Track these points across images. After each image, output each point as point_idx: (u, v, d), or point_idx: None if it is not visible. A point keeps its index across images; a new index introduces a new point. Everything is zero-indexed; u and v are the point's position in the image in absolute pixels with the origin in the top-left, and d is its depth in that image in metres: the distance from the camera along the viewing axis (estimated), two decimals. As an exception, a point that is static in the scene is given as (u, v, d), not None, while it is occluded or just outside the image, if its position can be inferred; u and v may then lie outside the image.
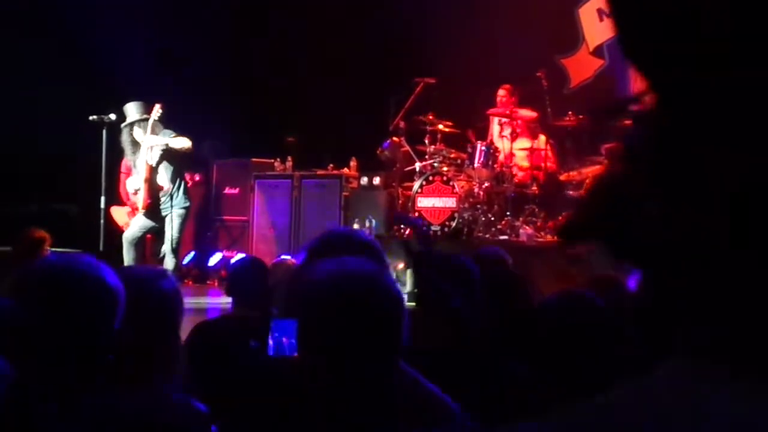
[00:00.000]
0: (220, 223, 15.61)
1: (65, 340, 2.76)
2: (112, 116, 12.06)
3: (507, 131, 13.30)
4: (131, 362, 3.12)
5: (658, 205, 0.76)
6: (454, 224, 12.79)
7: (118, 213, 12.54)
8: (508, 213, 12.74)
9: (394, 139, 14.21)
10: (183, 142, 12.01)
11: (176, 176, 12.22)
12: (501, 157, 13.11)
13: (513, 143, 13.23)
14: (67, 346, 2.77)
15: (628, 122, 13.10)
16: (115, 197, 12.65)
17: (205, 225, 15.60)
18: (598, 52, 15.50)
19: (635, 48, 0.79)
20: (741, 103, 0.70)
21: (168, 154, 12.03)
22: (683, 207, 0.74)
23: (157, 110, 12.04)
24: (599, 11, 15.34)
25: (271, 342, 3.12)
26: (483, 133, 14.01)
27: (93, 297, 2.80)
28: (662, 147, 0.76)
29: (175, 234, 12.07)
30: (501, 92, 13.79)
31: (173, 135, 12.03)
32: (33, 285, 2.86)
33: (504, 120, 13.51)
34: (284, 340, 2.96)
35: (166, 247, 12.04)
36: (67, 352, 2.77)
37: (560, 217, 12.66)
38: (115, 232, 12.26)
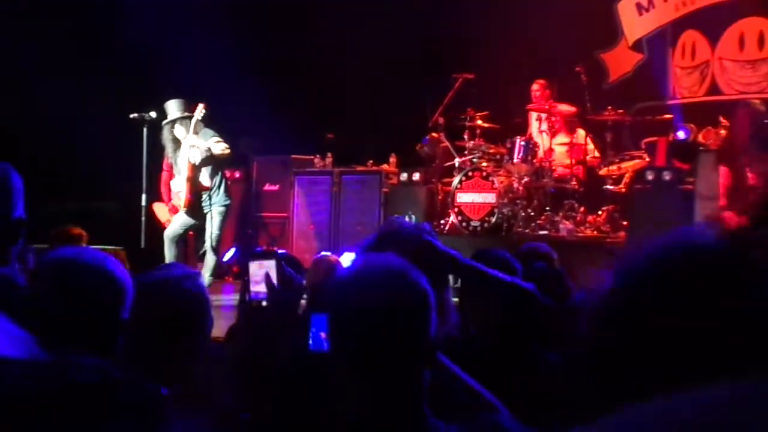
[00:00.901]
0: (260, 220, 15.63)
1: (70, 326, 2.81)
2: (153, 114, 12.11)
3: (546, 126, 13.28)
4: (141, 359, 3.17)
5: None
6: (493, 219, 12.78)
7: (160, 210, 12.59)
8: (547, 208, 12.71)
9: (434, 134, 14.21)
10: (222, 148, 12.05)
11: (216, 174, 12.26)
12: (540, 152, 13.08)
13: (552, 138, 13.20)
14: (72, 332, 2.82)
15: (667, 117, 13.12)
16: (157, 194, 12.70)
17: (245, 222, 15.63)
18: (637, 46, 15.46)
19: None
20: None
21: (209, 155, 12.07)
22: None
23: (200, 110, 12.09)
24: (638, 5, 15.30)
25: (310, 336, 3.15)
26: (522, 129, 13.99)
27: (97, 285, 2.87)
28: None
29: (215, 231, 12.12)
30: (535, 87, 13.77)
31: (214, 136, 12.08)
32: (43, 273, 2.92)
33: (543, 115, 13.49)
34: (322, 334, 2.98)
35: (207, 245, 12.09)
36: (71, 337, 2.81)
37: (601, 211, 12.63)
38: (156, 229, 12.32)
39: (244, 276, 3.61)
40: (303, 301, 6.18)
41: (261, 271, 3.53)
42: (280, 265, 3.54)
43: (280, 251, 4.15)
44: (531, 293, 3.61)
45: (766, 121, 10.75)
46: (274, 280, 3.50)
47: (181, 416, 2.94)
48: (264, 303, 3.51)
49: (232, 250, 13.91)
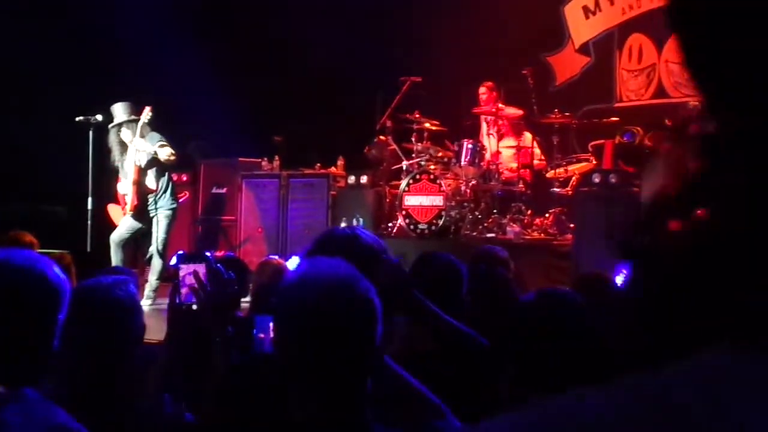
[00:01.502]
0: (207, 223, 15.57)
1: (4, 332, 2.79)
2: (99, 117, 12.04)
3: (493, 129, 13.33)
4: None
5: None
6: (441, 222, 12.80)
7: (115, 211, 12.52)
8: (495, 211, 12.75)
9: (381, 137, 14.22)
10: (167, 154, 11.98)
11: (163, 177, 12.21)
12: (487, 155, 13.12)
13: (499, 141, 13.24)
14: (7, 338, 2.79)
15: (615, 119, 13.20)
16: (107, 197, 12.62)
17: (192, 225, 15.56)
18: (583, 49, 15.54)
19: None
20: None
21: (155, 159, 12.01)
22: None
23: (146, 113, 12.03)
24: (584, 9, 15.39)
25: (255, 338, 3.14)
26: (473, 132, 14.03)
27: (30, 288, 2.83)
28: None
29: (162, 235, 12.06)
30: (482, 89, 13.83)
31: (160, 140, 12.01)
32: None
33: (489, 118, 13.54)
34: (261, 336, 2.98)
35: (153, 248, 12.04)
36: (6, 343, 2.79)
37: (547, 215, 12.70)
38: (104, 232, 12.24)
39: (174, 280, 3.61)
40: (246, 304, 6.16)
41: (191, 275, 3.53)
42: (212, 268, 3.54)
43: (228, 254, 4.15)
44: (477, 350, 3.64)
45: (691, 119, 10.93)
46: (204, 283, 3.50)
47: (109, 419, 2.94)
48: (194, 306, 3.51)
49: (179, 254, 13.81)
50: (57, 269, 2.93)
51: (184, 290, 3.54)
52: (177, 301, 3.57)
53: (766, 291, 0.74)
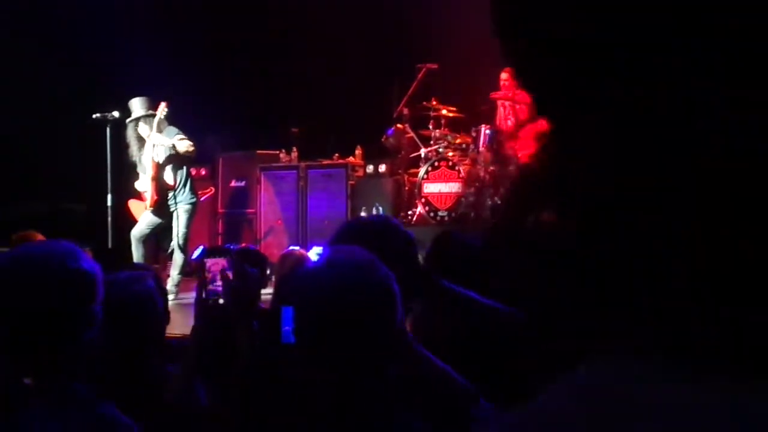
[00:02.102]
0: (228, 217, 15.59)
1: (30, 325, 2.78)
2: (116, 114, 12.05)
3: (511, 114, 13.31)
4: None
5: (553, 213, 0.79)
6: (461, 209, 12.80)
7: (137, 206, 12.54)
8: (514, 196, 12.73)
9: (399, 126, 14.22)
10: (186, 146, 11.98)
11: (182, 172, 12.21)
12: (506, 140, 13.11)
13: (518, 126, 13.22)
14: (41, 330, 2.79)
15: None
16: (128, 192, 12.64)
17: (213, 219, 15.59)
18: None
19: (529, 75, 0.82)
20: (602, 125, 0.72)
21: (173, 152, 12.02)
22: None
23: (162, 108, 12.03)
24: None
25: (282, 330, 3.14)
26: (489, 117, 14.00)
27: (59, 277, 2.82)
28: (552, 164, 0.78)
29: (182, 230, 12.07)
30: (503, 75, 13.80)
31: (178, 134, 12.02)
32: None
33: (507, 103, 13.52)
34: (288, 327, 2.98)
35: (174, 243, 12.05)
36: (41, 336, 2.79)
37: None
38: (124, 228, 12.27)
39: (200, 274, 3.62)
40: (268, 296, 6.17)
41: (217, 268, 3.55)
42: (235, 261, 3.55)
43: (238, 246, 4.15)
44: (506, 316, 3.61)
45: None
46: (230, 276, 3.51)
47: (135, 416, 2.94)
48: (221, 300, 3.52)
49: (200, 248, 13.82)
50: (87, 258, 2.94)
51: (211, 285, 3.56)
52: (203, 295, 3.58)
53: (618, 299, 0.75)
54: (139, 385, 3.36)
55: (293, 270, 6.23)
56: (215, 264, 3.56)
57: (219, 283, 3.55)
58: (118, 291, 3.38)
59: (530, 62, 0.80)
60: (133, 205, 12.55)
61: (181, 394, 3.49)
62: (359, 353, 2.47)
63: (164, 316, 3.76)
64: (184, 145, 11.95)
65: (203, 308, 3.58)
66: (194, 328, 3.65)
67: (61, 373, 2.79)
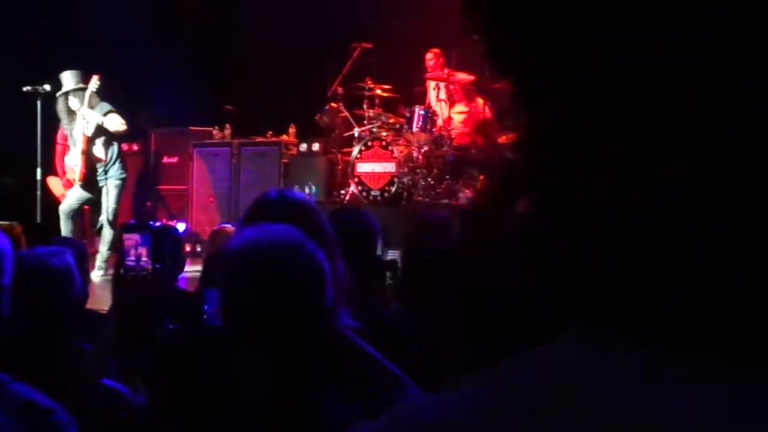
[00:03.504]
0: (158, 193, 15.50)
1: None
2: (47, 87, 11.95)
3: (444, 95, 13.32)
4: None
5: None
6: (394, 189, 12.80)
7: (55, 183, 12.44)
8: (447, 176, 12.75)
9: (333, 105, 14.18)
10: (118, 124, 11.89)
11: (113, 147, 12.12)
12: (439, 120, 13.13)
13: (451, 107, 13.24)
14: None
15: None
16: (52, 168, 12.54)
17: (143, 195, 15.49)
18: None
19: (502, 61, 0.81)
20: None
21: (103, 128, 11.93)
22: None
23: (94, 81, 11.93)
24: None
25: (204, 313, 3.11)
26: (423, 98, 14.02)
27: None
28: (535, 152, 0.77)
29: (112, 205, 11.99)
30: (429, 56, 13.80)
31: (111, 110, 11.92)
32: None
33: (441, 84, 13.53)
34: (211, 310, 2.95)
35: (103, 218, 11.97)
36: None
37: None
38: (53, 203, 12.17)
39: (119, 250, 3.59)
40: (197, 274, 6.13)
41: (135, 244, 3.52)
42: (154, 238, 3.52)
43: (158, 223, 4.13)
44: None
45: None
46: (145, 252, 3.48)
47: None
48: (138, 275, 3.49)
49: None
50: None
51: (127, 260, 3.53)
52: (120, 271, 3.55)
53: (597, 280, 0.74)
54: (54, 362, 3.32)
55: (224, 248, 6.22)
56: (130, 239, 3.53)
57: (133, 258, 3.52)
58: (35, 265, 3.34)
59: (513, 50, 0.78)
60: (51, 181, 12.46)
61: (95, 371, 3.46)
62: (287, 333, 2.44)
63: (83, 292, 3.72)
64: (115, 122, 11.87)
65: (120, 284, 3.55)
66: (112, 305, 3.63)
67: None
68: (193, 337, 3.31)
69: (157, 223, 3.93)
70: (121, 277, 3.54)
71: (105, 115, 11.87)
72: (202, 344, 3.06)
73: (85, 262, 4.36)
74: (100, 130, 11.93)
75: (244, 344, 2.47)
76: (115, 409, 3.36)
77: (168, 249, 3.55)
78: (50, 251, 3.48)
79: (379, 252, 4.80)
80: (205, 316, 3.11)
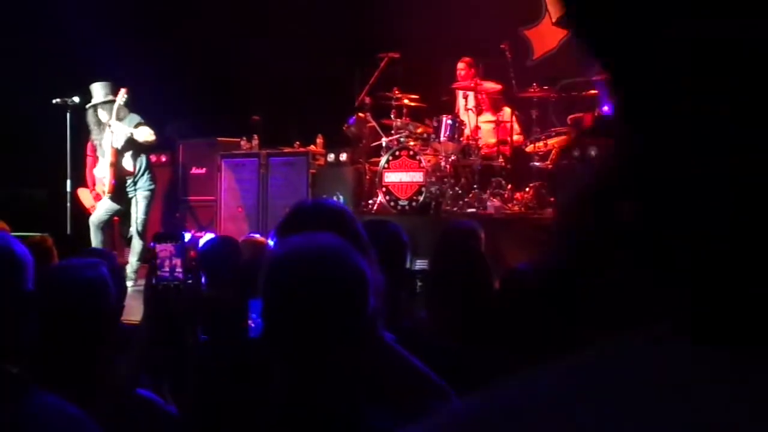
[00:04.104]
0: (187, 204, 15.55)
1: None
2: (76, 99, 12.02)
3: (472, 104, 13.31)
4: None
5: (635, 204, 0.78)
6: (421, 198, 12.79)
7: (85, 195, 12.49)
8: (475, 186, 12.74)
9: (360, 114, 14.19)
10: (147, 135, 11.96)
11: (141, 158, 12.18)
12: (467, 130, 13.13)
13: (478, 116, 13.23)
14: None
15: (593, 92, 13.21)
16: (82, 180, 12.59)
17: (172, 206, 15.54)
18: (561, 22, 15.51)
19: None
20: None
21: (132, 140, 11.99)
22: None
23: (122, 95, 11.99)
24: (561, -19, 15.34)
25: (251, 323, 3.11)
26: (450, 107, 14.03)
27: None
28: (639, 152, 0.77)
29: (141, 216, 12.04)
30: (460, 65, 13.81)
31: (138, 122, 11.98)
32: None
33: (469, 93, 13.52)
34: (254, 320, 2.94)
35: (133, 230, 12.02)
36: None
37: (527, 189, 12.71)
38: (82, 215, 12.22)
39: (151, 260, 3.60)
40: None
41: (166, 254, 3.53)
42: (183, 248, 3.53)
43: (189, 234, 4.16)
44: None
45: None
46: (179, 263, 3.49)
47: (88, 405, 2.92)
48: (170, 285, 3.50)
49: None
50: (18, 243, 2.93)
51: (160, 271, 3.54)
52: (153, 281, 3.56)
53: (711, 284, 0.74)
54: (88, 373, 3.33)
55: (254, 256, 6.23)
56: (164, 250, 3.54)
57: (167, 268, 3.53)
58: (70, 276, 3.36)
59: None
60: (81, 193, 12.51)
61: (129, 382, 3.47)
62: (329, 345, 2.42)
63: (118, 303, 3.73)
64: (144, 134, 11.93)
65: (152, 294, 3.56)
66: (143, 316, 3.64)
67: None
68: (232, 348, 3.31)
69: (196, 233, 3.96)
70: (154, 287, 3.55)
71: (135, 126, 11.93)
72: (242, 355, 3.07)
73: (119, 273, 4.37)
74: (128, 143, 11.99)
75: (287, 354, 2.46)
76: (148, 420, 3.37)
77: (194, 258, 3.57)
78: (85, 263, 3.49)
79: (407, 262, 4.80)
80: (252, 325, 3.11)
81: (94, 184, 12.44)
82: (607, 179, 0.85)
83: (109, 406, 3.13)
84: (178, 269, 3.52)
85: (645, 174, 0.75)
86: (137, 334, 3.72)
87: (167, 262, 3.53)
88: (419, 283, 5.25)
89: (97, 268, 3.42)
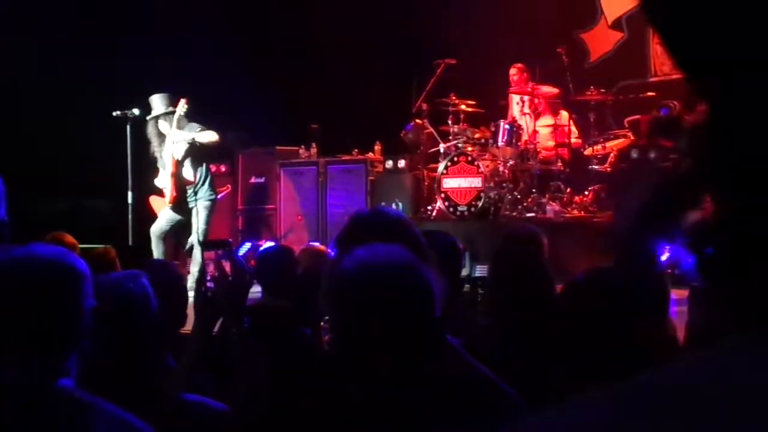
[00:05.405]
0: (247, 213, 15.61)
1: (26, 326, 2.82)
2: (136, 111, 12.09)
3: (529, 109, 13.29)
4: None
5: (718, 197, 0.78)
6: (480, 204, 12.78)
7: (157, 202, 12.56)
8: (533, 190, 12.73)
9: (417, 121, 14.21)
10: (210, 136, 12.04)
11: (202, 168, 12.25)
12: (524, 134, 13.11)
13: (536, 120, 13.20)
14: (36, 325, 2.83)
15: (651, 94, 13.13)
16: (149, 189, 12.67)
17: (232, 215, 15.61)
18: (616, 25, 15.47)
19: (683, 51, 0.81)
20: None
21: (193, 148, 12.07)
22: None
23: (182, 105, 12.07)
24: (617, -16, 15.31)
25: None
26: (504, 113, 14.02)
27: (52, 275, 2.85)
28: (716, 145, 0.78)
29: (202, 226, 12.09)
30: (513, 71, 13.84)
31: (199, 129, 12.06)
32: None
33: (525, 98, 13.51)
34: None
35: (194, 239, 12.08)
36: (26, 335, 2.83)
37: (586, 192, 12.66)
38: (145, 226, 12.30)
39: (203, 266, 3.65)
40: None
41: (215, 260, 3.57)
42: (232, 254, 3.56)
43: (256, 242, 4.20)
44: None
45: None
46: (228, 269, 3.53)
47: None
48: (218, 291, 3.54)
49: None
50: (76, 257, 2.97)
51: (209, 277, 3.59)
52: (202, 288, 3.60)
53: None
54: (135, 382, 3.37)
55: (315, 265, 6.26)
56: (215, 256, 3.58)
57: (212, 275, 3.57)
58: (111, 289, 3.40)
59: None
60: (153, 201, 12.59)
61: (179, 387, 3.50)
62: (400, 357, 2.42)
63: (178, 313, 3.76)
64: (207, 136, 12.01)
65: (202, 301, 3.59)
66: (194, 324, 3.68)
67: (55, 373, 2.83)
68: (286, 354, 3.34)
69: (259, 242, 4.01)
70: (203, 293, 3.59)
71: (196, 131, 12.01)
72: (298, 362, 3.09)
73: (179, 284, 4.40)
74: (189, 152, 12.06)
75: (358, 366, 2.46)
76: (199, 423, 3.40)
77: (243, 265, 3.60)
78: (125, 275, 3.53)
79: (466, 268, 4.83)
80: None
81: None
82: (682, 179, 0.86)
83: (158, 413, 3.15)
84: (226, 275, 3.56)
85: (740, 173, 0.76)
86: (189, 341, 3.76)
87: (213, 269, 3.58)
88: (480, 291, 5.25)
89: (137, 280, 3.47)
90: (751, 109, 0.74)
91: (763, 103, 0.73)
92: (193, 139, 11.97)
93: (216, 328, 3.87)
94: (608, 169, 12.71)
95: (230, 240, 3.79)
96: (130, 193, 11.89)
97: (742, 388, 0.70)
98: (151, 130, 12.23)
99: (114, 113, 12.09)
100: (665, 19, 0.81)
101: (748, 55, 0.73)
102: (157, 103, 12.19)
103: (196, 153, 12.10)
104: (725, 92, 0.76)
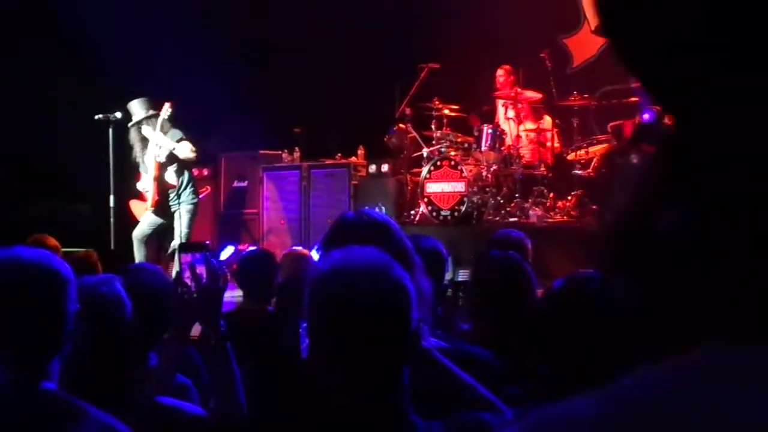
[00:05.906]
0: (230, 217, 15.59)
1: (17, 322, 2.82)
2: (118, 114, 12.05)
3: (512, 113, 13.30)
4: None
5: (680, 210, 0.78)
6: (463, 208, 12.79)
7: (138, 207, 12.54)
8: (517, 195, 12.74)
9: (401, 125, 14.21)
10: (187, 151, 12.01)
11: (183, 172, 12.23)
12: (508, 139, 13.13)
13: (519, 125, 13.22)
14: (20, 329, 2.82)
15: (633, 99, 13.16)
16: (134, 193, 12.64)
17: (215, 219, 15.59)
18: (599, 30, 15.46)
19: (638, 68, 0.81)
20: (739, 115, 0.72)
21: (175, 154, 12.05)
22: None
23: (166, 109, 12.05)
24: (600, -11, 15.32)
25: (305, 345, 3.11)
26: (489, 117, 14.02)
27: (37, 279, 2.85)
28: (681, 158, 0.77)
29: (185, 230, 12.08)
30: (499, 72, 13.83)
31: (182, 138, 12.03)
32: None
33: (509, 102, 13.51)
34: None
35: (176, 243, 12.06)
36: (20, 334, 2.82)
37: (569, 197, 12.67)
38: (127, 230, 12.28)
39: (180, 269, 3.63)
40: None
41: (192, 264, 3.56)
42: (208, 258, 3.56)
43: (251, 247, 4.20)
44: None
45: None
46: (203, 273, 3.52)
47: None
48: (193, 294, 3.53)
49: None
50: (61, 261, 2.97)
51: (186, 280, 3.58)
52: (178, 291, 3.60)
53: (748, 285, 0.74)
54: (110, 386, 3.35)
55: (297, 269, 6.25)
56: (190, 260, 3.58)
57: (189, 277, 3.57)
58: (84, 294, 3.39)
59: (643, 60, 0.79)
60: (134, 205, 12.56)
61: (155, 390, 3.49)
62: (374, 354, 2.40)
63: (147, 317, 3.74)
64: (186, 150, 11.98)
65: (179, 303, 3.59)
66: (171, 326, 3.68)
67: (39, 376, 2.82)
68: (269, 359, 3.32)
69: (239, 246, 4.00)
70: (180, 296, 3.59)
71: (177, 142, 11.99)
72: (289, 371, 3.08)
73: (165, 289, 4.40)
74: (172, 157, 12.04)
75: (334, 370, 2.44)
76: (174, 427, 3.39)
77: (217, 268, 3.60)
78: (99, 280, 3.52)
79: (449, 272, 4.82)
80: (303, 349, 3.12)
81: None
82: (653, 187, 0.86)
83: (132, 417, 3.14)
84: (203, 278, 3.55)
85: (703, 184, 0.76)
86: (165, 343, 3.76)
87: (189, 272, 3.57)
88: (460, 294, 5.24)
89: (110, 284, 3.46)
90: (710, 127, 0.74)
91: (722, 123, 0.73)
92: (174, 149, 11.95)
93: (197, 332, 3.86)
94: (591, 174, 12.73)
95: (208, 243, 3.76)
96: (112, 197, 11.86)
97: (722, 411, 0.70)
98: (133, 136, 12.20)
99: (96, 117, 12.05)
100: (623, 39, 0.82)
101: (705, 76, 0.73)
102: (137, 108, 12.16)
103: (179, 158, 12.08)
104: (685, 109, 0.77)
